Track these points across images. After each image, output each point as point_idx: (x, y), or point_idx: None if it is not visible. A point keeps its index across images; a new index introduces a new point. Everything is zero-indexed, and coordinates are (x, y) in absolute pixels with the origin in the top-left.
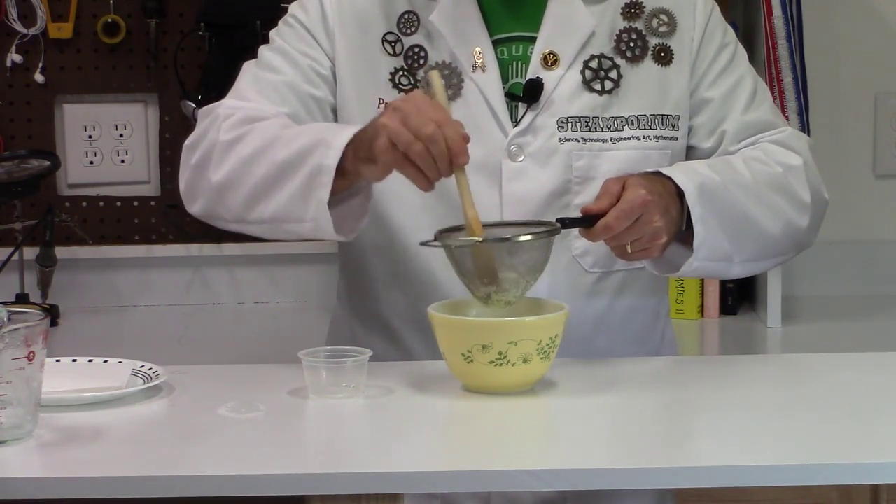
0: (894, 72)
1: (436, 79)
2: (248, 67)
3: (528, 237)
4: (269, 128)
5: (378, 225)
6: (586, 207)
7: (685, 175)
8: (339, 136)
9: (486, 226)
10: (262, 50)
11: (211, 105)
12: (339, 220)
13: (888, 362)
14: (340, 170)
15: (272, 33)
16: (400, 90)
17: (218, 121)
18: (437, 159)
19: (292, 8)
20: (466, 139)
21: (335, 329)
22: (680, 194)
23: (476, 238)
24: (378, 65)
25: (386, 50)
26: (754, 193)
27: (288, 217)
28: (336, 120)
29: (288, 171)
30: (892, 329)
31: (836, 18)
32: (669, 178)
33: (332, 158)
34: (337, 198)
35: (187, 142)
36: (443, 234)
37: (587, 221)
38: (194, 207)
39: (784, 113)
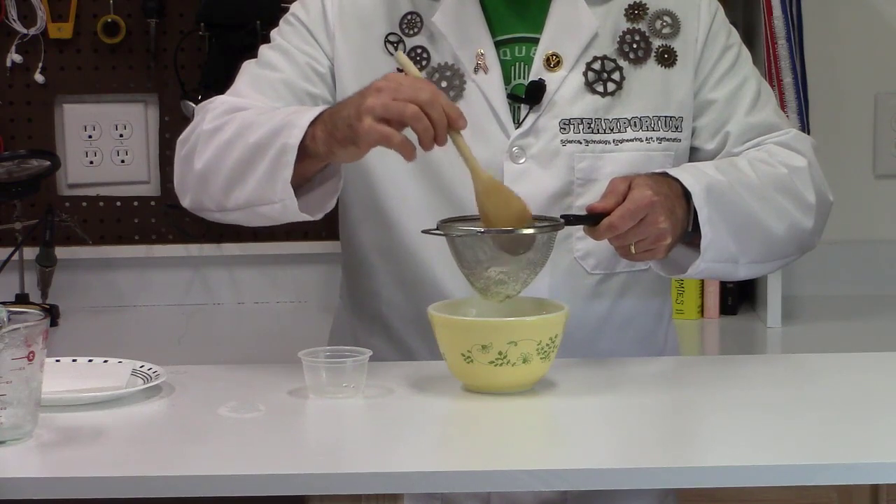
0: (894, 72)
1: (404, 58)
2: (248, 66)
3: (531, 230)
4: (248, 114)
5: (380, 225)
6: (591, 206)
7: (692, 176)
8: (305, 116)
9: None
10: (262, 48)
11: (206, 101)
12: (311, 201)
13: (888, 362)
14: (310, 151)
15: (273, 32)
16: None
17: (206, 113)
18: (435, 124)
19: (293, 7)
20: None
21: (337, 329)
22: (686, 195)
23: (478, 229)
24: (380, 65)
25: (388, 51)
26: (760, 195)
27: (260, 199)
28: None
29: (258, 153)
30: (892, 329)
31: (836, 18)
32: (676, 179)
33: (294, 138)
34: (311, 182)
35: (180, 137)
36: (445, 224)
37: (591, 220)
38: (185, 200)
39: (784, 113)
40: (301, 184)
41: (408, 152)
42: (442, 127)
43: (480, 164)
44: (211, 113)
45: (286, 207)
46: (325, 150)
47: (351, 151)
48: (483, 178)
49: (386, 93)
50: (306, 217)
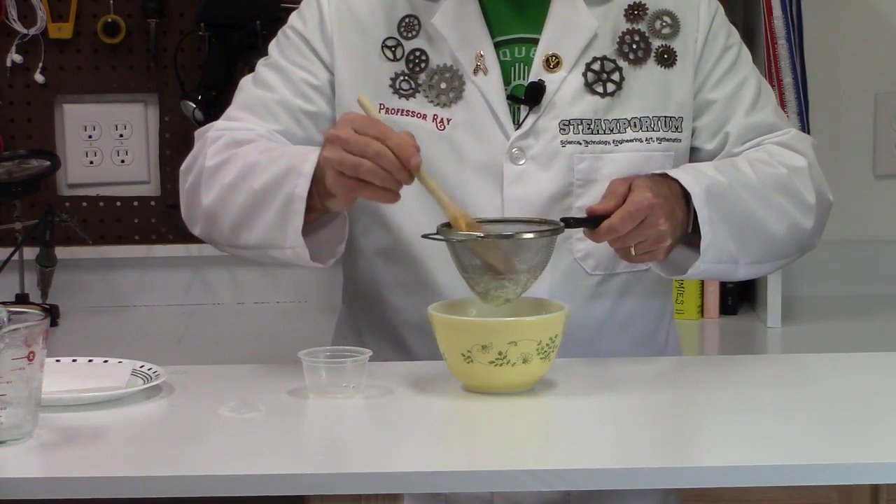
0: (894, 72)
1: (365, 100)
2: (245, 84)
3: (532, 235)
4: (249, 153)
5: (381, 228)
6: (591, 208)
7: (692, 177)
8: (307, 163)
9: (489, 222)
10: (259, 65)
11: (204, 127)
12: (319, 245)
13: (888, 362)
14: (310, 205)
15: (270, 45)
16: (401, 95)
17: (206, 145)
18: (391, 171)
19: (291, 18)
20: (412, 143)
21: (340, 332)
22: (686, 196)
23: (478, 233)
24: (378, 71)
25: (385, 55)
26: (760, 195)
27: (271, 243)
28: None
29: (264, 199)
30: (892, 329)
31: (836, 18)
32: (676, 180)
33: (301, 188)
34: (315, 224)
35: (182, 166)
36: (444, 228)
37: (592, 222)
38: (195, 230)
39: (784, 113)
40: (310, 220)
41: (383, 199)
42: (399, 172)
43: (477, 166)
44: (211, 147)
45: (297, 255)
46: (319, 205)
47: (336, 202)
48: (451, 214)
49: (338, 144)
50: (318, 265)
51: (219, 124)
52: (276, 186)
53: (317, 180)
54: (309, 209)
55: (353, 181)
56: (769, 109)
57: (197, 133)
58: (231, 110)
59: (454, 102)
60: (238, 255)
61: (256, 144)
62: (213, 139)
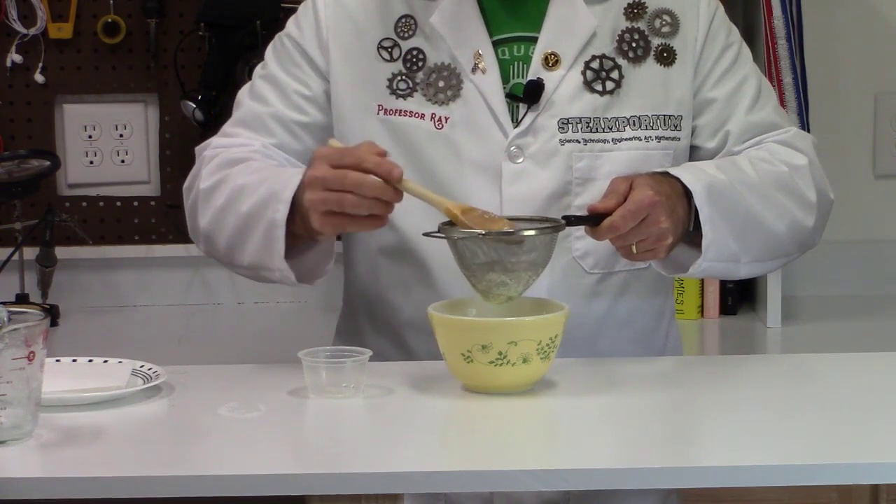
0: (894, 72)
1: (334, 143)
2: (241, 97)
3: (533, 232)
4: (240, 175)
5: (384, 229)
6: (592, 206)
7: (693, 175)
8: (287, 189)
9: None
10: (255, 75)
11: (202, 144)
12: (306, 266)
13: (888, 362)
14: (292, 232)
15: (267, 51)
16: (398, 96)
17: (202, 165)
18: (377, 196)
19: (288, 24)
20: (385, 159)
21: (341, 331)
22: (687, 194)
23: (479, 231)
24: (375, 72)
25: (382, 56)
26: (761, 193)
27: (261, 265)
28: (334, 134)
29: (250, 223)
30: (892, 329)
31: (836, 18)
32: (677, 179)
33: (280, 213)
34: (303, 245)
35: (184, 185)
36: (446, 226)
37: (593, 220)
38: (200, 247)
39: (784, 111)
40: (297, 244)
41: (369, 228)
42: (385, 192)
43: (476, 165)
44: (207, 166)
45: (284, 276)
46: (305, 232)
47: (322, 235)
48: (444, 208)
49: (319, 183)
50: (304, 285)
51: (215, 141)
52: (260, 210)
53: (298, 205)
54: (295, 235)
55: (339, 218)
56: (770, 108)
57: (196, 150)
58: (228, 126)
59: (452, 101)
60: (238, 273)
61: (248, 165)
62: (208, 158)
